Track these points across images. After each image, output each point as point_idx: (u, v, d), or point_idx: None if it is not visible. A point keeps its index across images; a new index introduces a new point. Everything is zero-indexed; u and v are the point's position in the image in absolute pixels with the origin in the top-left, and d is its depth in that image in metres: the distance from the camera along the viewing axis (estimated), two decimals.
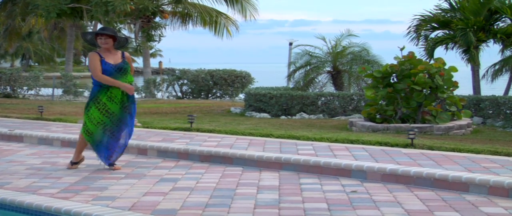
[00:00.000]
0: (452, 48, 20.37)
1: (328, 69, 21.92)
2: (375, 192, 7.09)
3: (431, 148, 9.58)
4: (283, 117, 17.38)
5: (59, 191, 7.08)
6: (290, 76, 22.12)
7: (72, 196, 6.80)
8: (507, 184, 6.82)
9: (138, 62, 71.76)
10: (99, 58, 8.42)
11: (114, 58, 8.47)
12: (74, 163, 8.60)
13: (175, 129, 12.27)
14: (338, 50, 21.77)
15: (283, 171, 8.39)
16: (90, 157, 8.98)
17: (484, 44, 20.28)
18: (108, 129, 8.40)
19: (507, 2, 20.08)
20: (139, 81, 29.67)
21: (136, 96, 9.35)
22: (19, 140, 11.45)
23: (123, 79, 8.42)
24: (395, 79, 14.28)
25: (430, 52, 20.24)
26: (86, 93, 27.21)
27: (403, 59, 14.23)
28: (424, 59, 17.51)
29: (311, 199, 6.73)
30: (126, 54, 8.61)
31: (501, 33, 19.66)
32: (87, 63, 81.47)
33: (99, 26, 14.21)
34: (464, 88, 20.34)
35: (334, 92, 19.35)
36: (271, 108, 17.85)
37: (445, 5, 21.09)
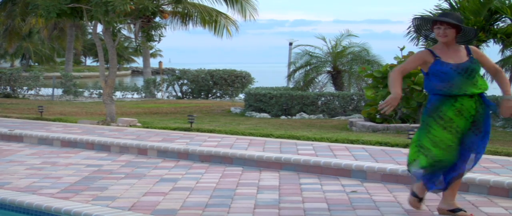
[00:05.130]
0: None
1: (328, 69, 21.91)
2: (375, 192, 7.09)
3: None
4: (283, 117, 17.38)
5: (59, 191, 7.08)
6: (290, 76, 22.11)
7: (72, 196, 6.80)
8: (507, 184, 6.82)
9: (138, 62, 71.86)
10: (429, 57, 6.04)
11: (457, 56, 6.04)
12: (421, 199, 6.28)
13: (175, 129, 12.27)
14: (338, 50, 21.76)
15: (283, 171, 8.38)
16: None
17: (484, 44, 20.23)
18: (457, 151, 6.03)
19: (507, 2, 20.08)
20: (139, 81, 29.66)
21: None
22: (19, 140, 11.45)
23: (470, 85, 6.05)
24: None
25: None
26: (86, 93, 27.21)
27: (403, 59, 14.23)
28: None
29: (311, 199, 6.72)
30: (474, 48, 6.17)
31: (501, 33, 19.63)
32: (87, 63, 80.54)
33: (100, 26, 14.14)
34: None
35: (334, 92, 19.35)
36: (271, 108, 17.85)
37: (445, 5, 21.05)
